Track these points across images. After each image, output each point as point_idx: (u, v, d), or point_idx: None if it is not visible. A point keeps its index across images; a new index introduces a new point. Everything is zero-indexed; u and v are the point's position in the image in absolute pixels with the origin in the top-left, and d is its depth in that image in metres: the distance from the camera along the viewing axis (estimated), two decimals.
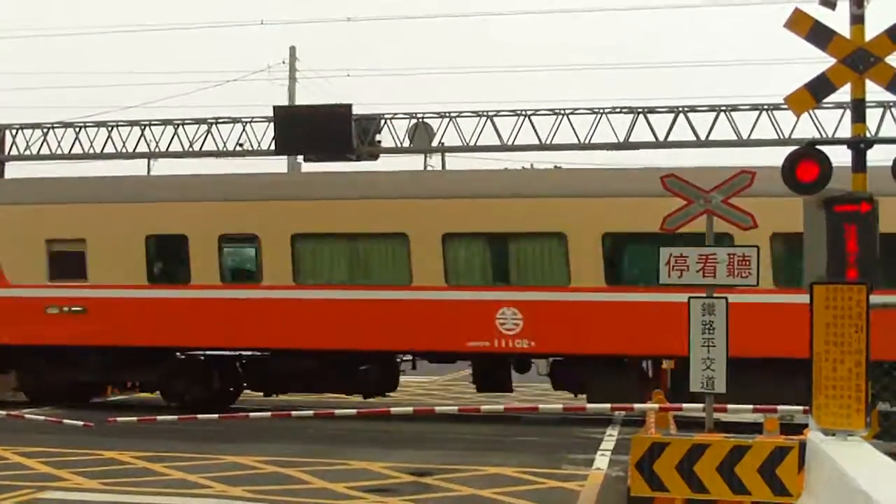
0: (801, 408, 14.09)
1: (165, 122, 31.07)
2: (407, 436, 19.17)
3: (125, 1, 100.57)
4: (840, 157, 12.05)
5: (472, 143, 30.11)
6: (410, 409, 18.61)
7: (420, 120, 30.25)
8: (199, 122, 31.24)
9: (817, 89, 11.52)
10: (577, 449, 17.31)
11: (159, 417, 19.14)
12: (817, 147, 11.47)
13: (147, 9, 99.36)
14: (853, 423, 9.28)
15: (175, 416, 19.16)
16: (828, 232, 10.96)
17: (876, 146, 11.86)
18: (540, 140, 29.36)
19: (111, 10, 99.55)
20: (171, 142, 30.87)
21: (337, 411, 18.34)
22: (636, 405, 17.11)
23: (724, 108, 28.11)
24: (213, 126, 31.03)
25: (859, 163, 11.30)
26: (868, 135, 15.54)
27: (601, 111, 28.89)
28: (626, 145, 28.95)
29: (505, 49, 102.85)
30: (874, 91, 11.96)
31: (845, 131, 17.41)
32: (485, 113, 29.67)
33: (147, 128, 31.02)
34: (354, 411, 18.44)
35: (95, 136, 31.29)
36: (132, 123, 31.34)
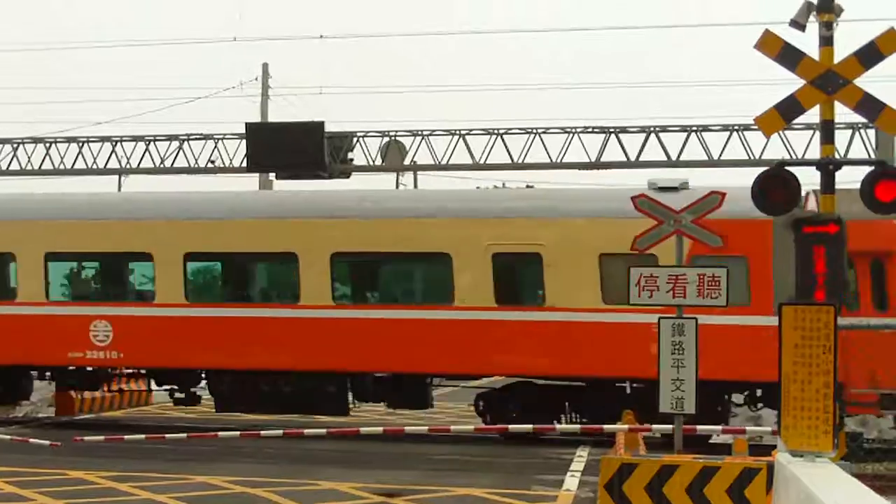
0: (770, 429, 14.10)
1: (137, 139, 30.96)
2: (377, 456, 19.07)
3: (96, 16, 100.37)
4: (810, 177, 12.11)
5: (444, 162, 30.12)
6: (380, 428, 18.53)
7: (392, 138, 30.24)
8: (170, 138, 31.13)
9: (787, 111, 11.56)
10: (547, 470, 17.25)
11: (127, 437, 18.95)
12: (787, 168, 11.50)
13: (118, 25, 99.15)
14: (821, 445, 9.28)
15: (143, 436, 18.98)
16: (796, 253, 10.98)
17: (845, 167, 11.90)
18: (512, 159, 29.41)
19: (82, 25, 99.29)
20: (142, 158, 30.77)
21: (306, 431, 18.23)
22: (606, 426, 17.06)
23: (695, 128, 28.21)
24: (185, 142, 30.92)
25: (828, 184, 11.33)
26: (837, 156, 15.61)
27: (573, 130, 28.95)
28: (597, 164, 29.03)
29: (478, 68, 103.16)
30: (843, 113, 12.03)
31: (815, 152, 17.48)
32: (457, 132, 29.68)
33: (118, 144, 30.91)
34: (324, 431, 18.33)
35: (66, 151, 31.16)
36: (103, 139, 31.21)
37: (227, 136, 30.87)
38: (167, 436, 18.72)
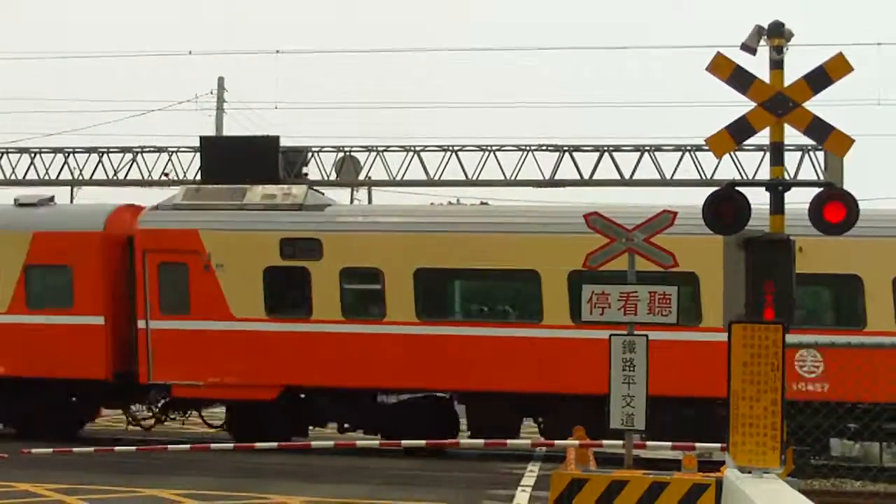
0: (719, 445, 14.25)
1: (90, 150, 30.80)
2: (328, 470, 19.05)
3: (49, 26, 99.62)
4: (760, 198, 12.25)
5: (398, 178, 30.18)
6: (331, 442, 18.53)
7: (347, 153, 30.27)
8: (124, 150, 31.00)
9: (738, 132, 11.70)
10: (498, 484, 17.31)
11: (75, 449, 18.82)
12: (737, 188, 11.64)
13: (71, 35, 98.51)
14: (768, 461, 9.42)
15: (92, 448, 18.87)
16: (746, 272, 11.11)
17: (794, 189, 12.05)
18: (466, 175, 29.51)
19: (35, 36, 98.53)
20: (95, 170, 30.58)
21: (257, 444, 18.19)
22: (557, 441, 17.16)
23: (648, 148, 28.46)
24: (139, 155, 30.80)
25: (777, 205, 11.48)
26: (787, 177, 15.81)
27: (527, 148, 29.10)
28: (551, 183, 29.20)
29: (433, 85, 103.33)
30: (794, 135, 12.19)
31: (766, 173, 17.71)
32: (412, 148, 29.76)
33: (71, 155, 30.71)
34: (275, 444, 18.30)
35: (18, 162, 30.94)
36: (56, 150, 31.02)
37: (181, 150, 30.76)
38: (116, 448, 18.64)
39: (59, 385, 22.74)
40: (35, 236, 22.97)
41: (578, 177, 29.00)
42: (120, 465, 18.73)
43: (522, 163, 28.97)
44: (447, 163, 29.40)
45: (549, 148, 29.20)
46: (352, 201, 36.09)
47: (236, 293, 21.86)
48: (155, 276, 22.20)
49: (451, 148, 29.54)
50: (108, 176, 30.87)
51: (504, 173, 29.22)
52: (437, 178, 29.68)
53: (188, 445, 19.18)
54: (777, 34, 11.56)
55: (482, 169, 29.27)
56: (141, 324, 22.17)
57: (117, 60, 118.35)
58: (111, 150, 30.81)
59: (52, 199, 24.14)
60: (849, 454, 19.42)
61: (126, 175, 30.83)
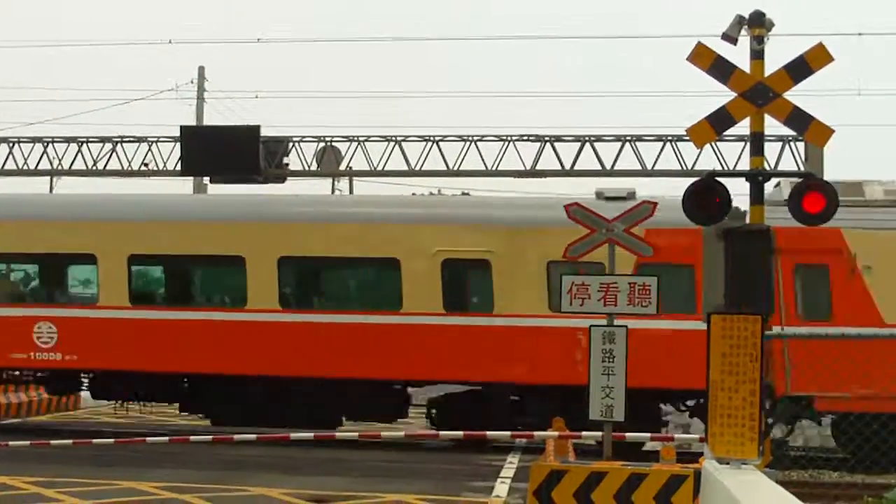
0: (698, 437, 14.25)
1: (69, 140, 30.56)
2: (307, 462, 18.98)
3: (29, 16, 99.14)
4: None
5: (379, 168, 30.08)
6: (310, 434, 18.44)
7: (328, 143, 30.16)
8: (103, 140, 30.80)
9: (718, 122, 11.68)
10: (477, 476, 17.28)
11: (53, 442, 18.70)
12: (717, 179, 11.62)
13: (52, 24, 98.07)
14: (747, 452, 9.39)
15: (70, 441, 18.75)
16: (726, 263, 11.10)
17: (774, 179, 12.06)
18: (448, 166, 29.43)
19: (15, 24, 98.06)
20: (74, 160, 30.36)
21: (236, 436, 18.11)
22: (536, 433, 17.13)
23: (629, 138, 28.44)
24: (119, 145, 30.60)
25: (757, 195, 11.47)
26: (767, 168, 15.81)
27: (509, 138, 29.05)
28: (532, 173, 29.13)
29: (414, 75, 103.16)
30: (775, 125, 12.17)
31: (746, 163, 17.70)
32: (393, 138, 29.67)
33: (50, 145, 30.50)
34: (254, 436, 18.22)
35: None
36: (35, 140, 30.78)
37: (161, 139, 30.59)
38: (94, 441, 18.52)
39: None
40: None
41: (560, 167, 28.95)
42: (98, 457, 18.61)
43: (504, 153, 28.92)
44: (428, 153, 29.31)
45: (531, 138, 29.16)
46: (332, 191, 36.01)
47: (888, 297, 20.33)
48: (790, 279, 20.68)
49: (432, 138, 29.46)
50: (87, 166, 30.67)
51: (485, 163, 29.16)
52: (418, 168, 29.59)
53: (167, 438, 19.09)
54: (758, 24, 11.54)
55: (463, 159, 29.20)
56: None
57: (97, 49, 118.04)
58: (91, 139, 30.60)
59: (633, 193, 21.97)
60: (827, 445, 19.45)
61: (106, 165, 30.63)
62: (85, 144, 30.46)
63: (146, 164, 30.66)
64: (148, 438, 18.91)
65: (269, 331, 21.76)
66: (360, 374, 21.41)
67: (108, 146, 30.49)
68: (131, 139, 30.75)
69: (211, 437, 18.58)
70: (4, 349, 22.52)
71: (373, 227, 22.29)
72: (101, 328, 22.32)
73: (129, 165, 30.64)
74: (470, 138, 29.28)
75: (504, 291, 21.25)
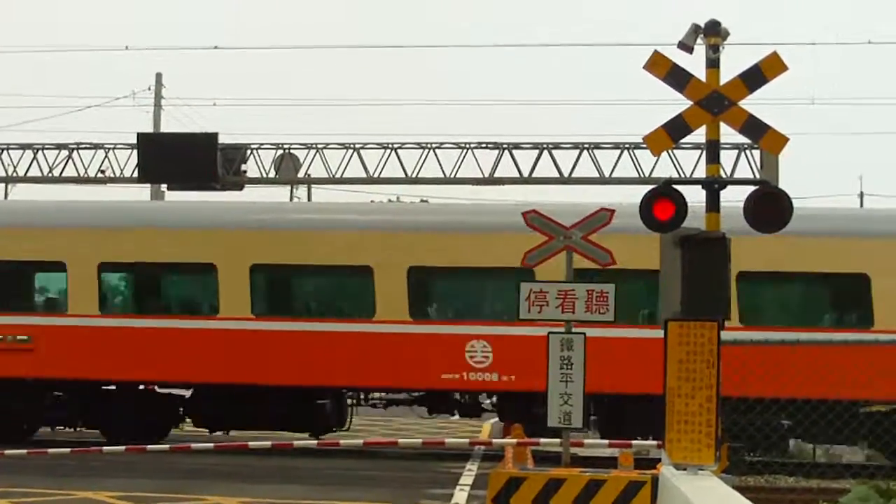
0: (655, 443, 14.31)
1: (25, 147, 30.33)
2: (265, 471, 18.92)
3: None
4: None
5: (338, 176, 30.05)
6: (269, 443, 18.39)
7: (286, 151, 30.10)
8: (60, 147, 30.58)
9: (674, 130, 11.74)
10: (436, 484, 17.28)
11: (8, 451, 18.49)
12: (673, 186, 11.68)
13: (4, 30, 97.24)
14: (703, 458, 9.46)
15: (25, 451, 18.56)
16: (682, 269, 11.16)
17: (730, 186, 12.13)
18: (406, 173, 29.45)
19: None
20: (30, 167, 30.12)
21: (193, 445, 18.02)
22: (495, 440, 17.16)
23: (586, 145, 28.55)
24: (75, 151, 30.39)
25: (713, 203, 11.54)
26: (723, 175, 15.92)
27: (467, 146, 29.10)
28: (491, 180, 29.20)
29: (372, 82, 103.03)
30: (731, 133, 12.27)
31: (703, 171, 17.86)
32: (351, 145, 29.64)
33: (5, 151, 30.24)
34: (211, 445, 18.14)
35: None
36: None
37: (118, 146, 30.40)
38: (50, 451, 18.36)
39: None
40: None
41: (518, 174, 29.04)
42: (54, 467, 18.45)
43: (462, 160, 28.96)
44: (387, 160, 29.33)
45: (489, 146, 29.23)
46: (291, 199, 35.91)
47: None
48: None
49: (390, 145, 29.47)
50: (42, 173, 30.42)
51: (444, 171, 29.19)
52: (376, 175, 29.59)
53: (123, 447, 18.94)
54: (713, 33, 11.62)
55: (422, 166, 29.23)
56: None
57: (52, 55, 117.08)
58: (46, 146, 30.38)
59: None
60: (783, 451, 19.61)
61: (62, 172, 30.40)
62: (41, 151, 30.23)
63: (103, 171, 30.46)
64: (104, 448, 18.77)
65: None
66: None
67: (65, 153, 30.28)
68: (88, 146, 30.55)
69: (168, 446, 18.45)
70: None
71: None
72: None
73: (86, 172, 30.41)
74: (428, 146, 29.31)
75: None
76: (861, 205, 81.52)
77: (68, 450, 18.44)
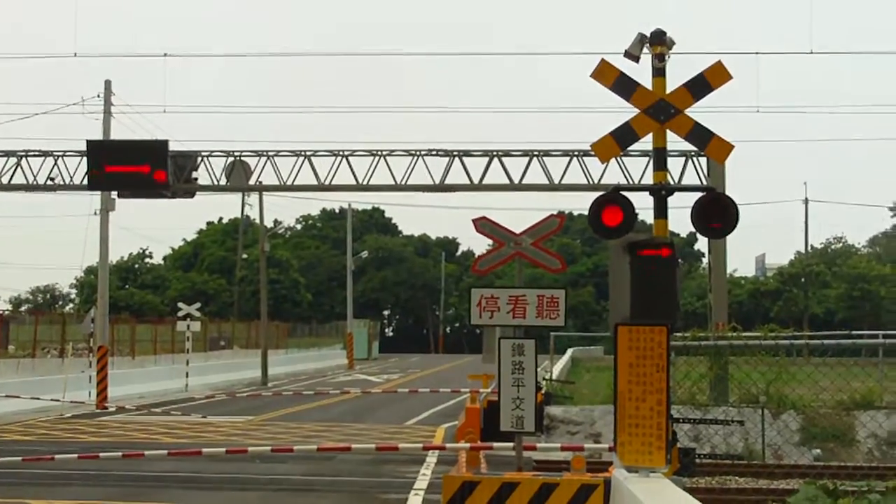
0: (607, 446, 14.49)
1: None
2: (221, 477, 18.91)
3: None
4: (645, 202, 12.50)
5: (289, 183, 30.09)
6: (223, 449, 18.40)
7: (237, 158, 30.11)
8: (7, 154, 30.43)
9: (622, 137, 11.93)
10: (391, 489, 17.37)
11: None
12: (622, 193, 11.86)
13: None
14: (654, 461, 9.62)
15: None
16: (631, 275, 11.33)
17: (677, 193, 12.33)
18: (357, 180, 29.57)
19: None
20: None
21: (147, 452, 18.00)
22: (448, 444, 17.29)
23: (536, 153, 28.81)
24: (24, 158, 30.27)
25: (661, 209, 11.73)
26: (670, 182, 16.14)
27: (418, 153, 29.26)
28: (442, 187, 29.38)
29: (322, 89, 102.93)
30: (678, 140, 12.47)
31: (651, 178, 18.15)
32: (302, 152, 29.74)
33: None
34: (165, 452, 18.13)
35: None
36: None
37: (67, 153, 30.29)
38: (1, 459, 18.27)
39: None
40: None
41: (468, 181, 29.22)
42: (5, 476, 18.34)
43: (413, 167, 29.15)
44: (338, 167, 29.42)
45: (440, 153, 29.43)
46: (242, 206, 35.79)
47: None
48: None
49: (341, 153, 29.58)
50: None
51: (395, 178, 29.34)
52: (327, 182, 29.66)
53: (76, 455, 18.89)
54: (659, 42, 11.82)
55: (373, 173, 29.34)
56: None
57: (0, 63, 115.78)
58: None
59: None
60: (733, 452, 19.86)
61: (10, 180, 30.25)
62: None
63: (52, 179, 30.37)
64: (56, 456, 18.70)
65: None
66: None
67: (13, 160, 30.13)
68: (37, 153, 30.43)
69: (121, 453, 18.42)
70: None
71: None
72: None
73: (35, 180, 30.28)
74: (379, 153, 29.46)
75: None
76: (805, 210, 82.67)
77: (20, 458, 18.35)
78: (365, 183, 29.63)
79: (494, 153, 28.99)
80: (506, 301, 13.49)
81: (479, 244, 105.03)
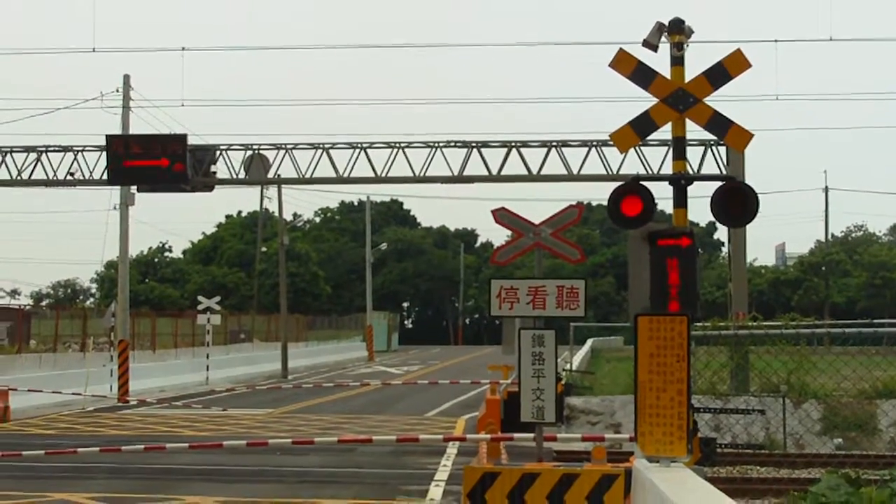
0: (628, 436, 14.47)
1: None
2: (242, 470, 18.97)
3: None
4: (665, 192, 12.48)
5: (308, 175, 30.11)
6: (243, 441, 18.45)
7: (256, 151, 30.16)
8: (28, 149, 30.55)
9: (640, 127, 11.90)
10: (412, 480, 17.40)
11: None
12: (641, 183, 11.83)
13: None
14: (675, 450, 9.61)
15: None
16: (651, 265, 11.31)
17: (696, 182, 12.29)
18: (375, 172, 29.57)
19: None
20: None
21: (168, 445, 18.06)
22: (469, 436, 17.30)
23: (555, 143, 28.76)
24: (44, 154, 30.39)
25: (680, 198, 11.70)
26: (690, 171, 16.09)
27: (436, 145, 29.25)
28: (460, 178, 29.38)
29: (342, 82, 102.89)
30: (697, 129, 12.43)
31: (670, 167, 18.11)
32: (321, 145, 29.76)
33: None
34: (186, 445, 18.19)
35: None
36: None
37: (87, 148, 30.39)
38: (24, 453, 18.36)
39: None
40: None
41: (487, 172, 29.19)
42: (29, 470, 18.46)
43: (431, 159, 29.13)
44: (356, 160, 29.43)
45: (458, 144, 29.42)
46: (261, 199, 35.85)
47: None
48: None
49: (360, 145, 29.59)
50: (11, 176, 30.38)
51: (413, 170, 29.34)
52: (346, 175, 29.68)
53: (98, 448, 18.97)
54: (677, 31, 11.78)
55: (392, 165, 29.35)
56: None
57: (19, 57, 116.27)
58: (14, 149, 30.33)
59: None
60: (754, 441, 19.82)
61: (31, 175, 30.37)
62: (9, 154, 30.18)
63: (72, 174, 30.50)
64: (79, 449, 18.78)
65: None
66: None
67: (34, 156, 30.25)
68: (56, 149, 30.54)
69: (143, 446, 18.49)
70: None
71: None
72: None
73: (55, 175, 30.40)
74: (397, 145, 29.46)
75: None
76: (826, 199, 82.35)
77: (42, 451, 18.45)
78: (383, 175, 29.65)
79: (513, 144, 28.97)
80: (525, 292, 13.48)
81: (498, 235, 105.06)
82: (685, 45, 11.70)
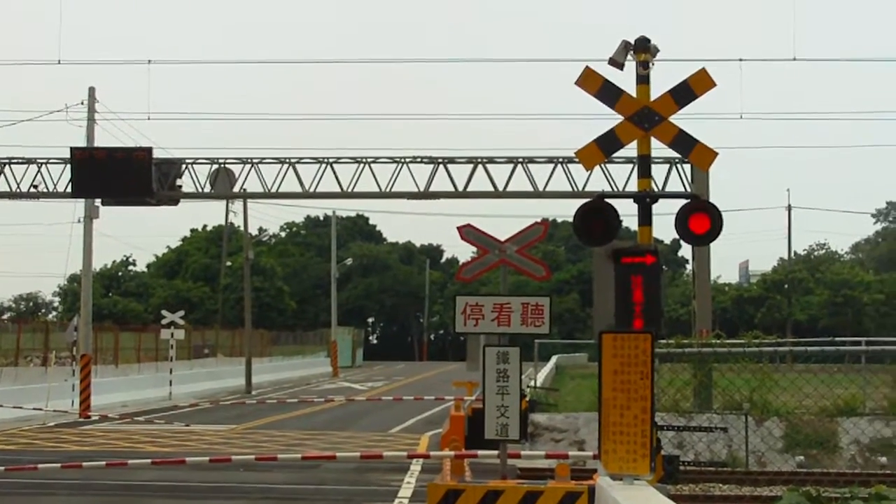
0: (591, 454, 14.48)
1: None
2: (205, 486, 18.84)
3: None
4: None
5: (273, 190, 30.04)
6: (207, 458, 18.34)
7: (221, 165, 30.06)
8: None
9: (606, 145, 11.95)
10: (376, 497, 17.33)
11: None
12: (606, 200, 11.87)
13: None
14: (639, 468, 9.63)
15: None
16: (616, 282, 11.34)
17: (661, 200, 12.34)
18: (342, 187, 29.54)
19: None
20: None
21: (130, 461, 17.92)
22: (433, 452, 17.26)
23: (521, 160, 28.82)
24: (7, 166, 30.18)
25: (645, 216, 11.75)
26: (655, 189, 16.16)
27: (402, 160, 29.26)
28: (426, 194, 29.39)
29: (307, 97, 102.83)
30: (662, 147, 12.49)
31: (636, 185, 18.18)
32: (287, 160, 29.70)
33: None
34: (149, 461, 18.05)
35: None
36: None
37: (51, 161, 30.20)
38: None
39: None
40: None
41: (453, 188, 29.22)
42: None
43: (397, 174, 29.13)
44: (322, 174, 29.40)
45: (424, 160, 29.44)
46: (227, 213, 35.75)
47: None
48: None
49: (326, 160, 29.56)
50: None
51: (379, 185, 29.33)
52: (312, 190, 29.63)
53: (59, 464, 18.79)
54: (643, 49, 11.85)
55: (357, 181, 29.33)
56: None
57: None
58: None
59: None
60: (717, 459, 19.89)
61: None
62: None
63: (35, 186, 30.31)
64: (40, 465, 18.59)
65: None
66: None
67: None
68: (20, 160, 30.34)
69: (105, 462, 18.33)
70: None
71: None
72: None
73: (18, 187, 30.18)
74: (364, 160, 29.45)
75: None
76: (789, 217, 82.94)
77: (2, 467, 18.26)
78: (349, 190, 29.61)
79: (479, 160, 29.00)
80: (490, 309, 13.48)
81: (464, 251, 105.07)
82: (651, 64, 11.78)
